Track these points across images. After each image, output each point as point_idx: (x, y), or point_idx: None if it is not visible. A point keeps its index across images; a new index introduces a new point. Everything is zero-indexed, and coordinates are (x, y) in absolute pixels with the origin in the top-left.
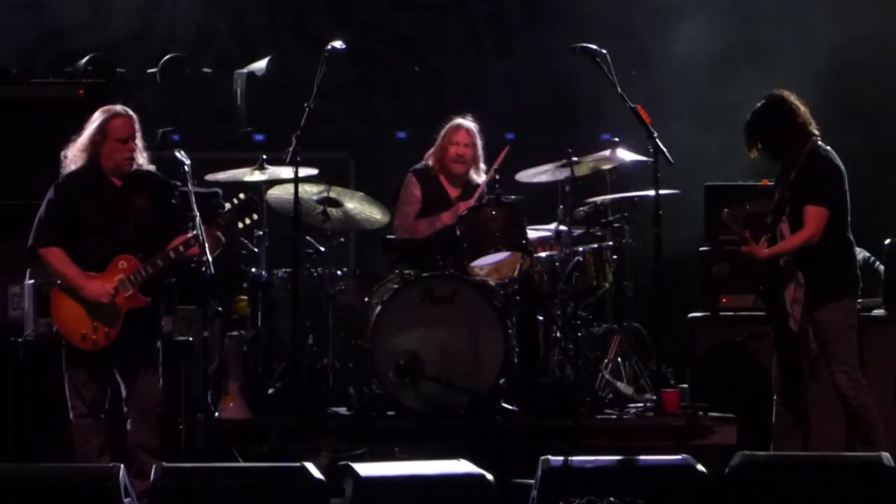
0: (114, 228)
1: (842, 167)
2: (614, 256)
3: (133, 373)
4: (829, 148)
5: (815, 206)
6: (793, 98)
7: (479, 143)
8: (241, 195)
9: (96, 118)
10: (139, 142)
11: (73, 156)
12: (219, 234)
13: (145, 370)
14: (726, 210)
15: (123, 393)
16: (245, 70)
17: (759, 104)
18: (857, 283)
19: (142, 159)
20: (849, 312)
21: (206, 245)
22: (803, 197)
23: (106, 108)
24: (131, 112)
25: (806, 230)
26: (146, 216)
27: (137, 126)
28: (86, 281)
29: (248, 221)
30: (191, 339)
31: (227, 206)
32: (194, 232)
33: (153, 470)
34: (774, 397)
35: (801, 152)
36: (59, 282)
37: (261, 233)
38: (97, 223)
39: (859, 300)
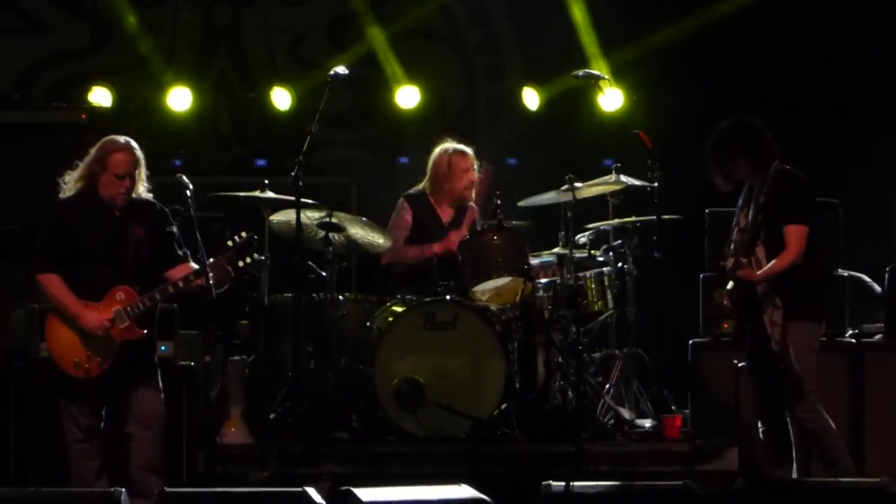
0: (111, 258)
1: (811, 185)
2: (616, 282)
3: (131, 393)
4: (791, 167)
5: (795, 226)
6: (755, 119)
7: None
8: (243, 234)
9: (99, 147)
10: (142, 172)
11: (72, 181)
12: (228, 267)
13: (143, 388)
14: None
15: (123, 413)
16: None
17: (724, 128)
18: (824, 310)
19: (142, 188)
20: (812, 336)
21: (210, 273)
22: (779, 218)
23: (110, 138)
24: (134, 145)
25: (790, 250)
26: (144, 246)
27: (139, 159)
28: (82, 310)
29: (248, 260)
30: (192, 363)
31: (229, 243)
32: (197, 266)
33: (155, 495)
34: (759, 426)
35: (767, 174)
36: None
37: (262, 258)
38: (94, 251)
39: (862, 325)
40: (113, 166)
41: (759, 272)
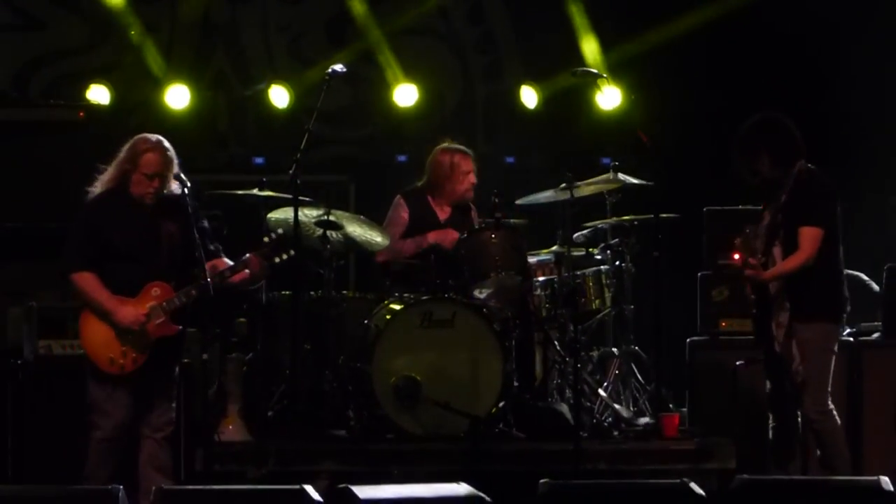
0: (144, 254)
1: (833, 187)
2: (614, 280)
3: (151, 393)
4: (816, 168)
5: (810, 228)
6: (787, 118)
7: None
8: (280, 230)
9: (130, 146)
10: (173, 171)
11: (103, 178)
12: (265, 263)
13: (164, 390)
14: (738, 239)
15: (140, 413)
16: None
17: (749, 124)
18: (841, 310)
19: (174, 186)
20: (827, 336)
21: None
22: (796, 219)
23: (142, 137)
24: (166, 145)
25: (802, 252)
26: (176, 242)
27: (171, 159)
28: (117, 306)
29: (284, 257)
30: (190, 361)
31: (265, 239)
32: (231, 262)
33: (152, 492)
34: (770, 422)
35: (790, 173)
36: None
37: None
38: (127, 248)
39: (860, 324)
40: (143, 165)
41: (767, 272)
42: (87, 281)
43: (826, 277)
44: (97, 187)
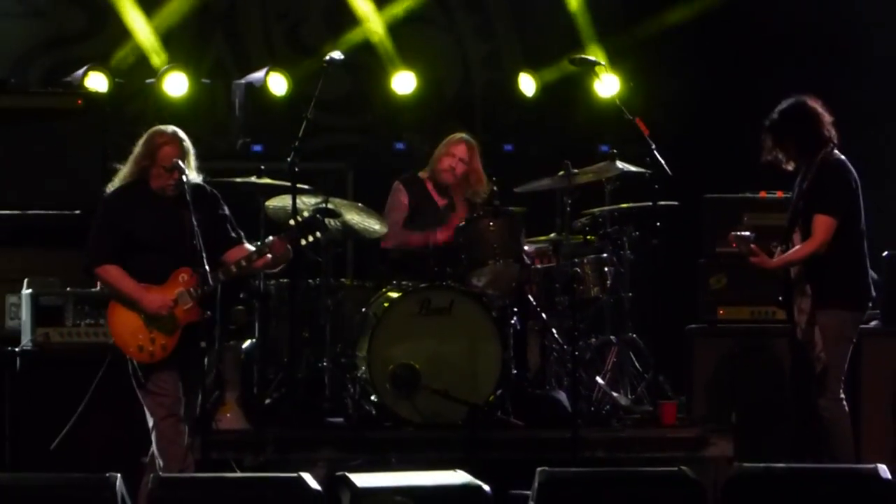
0: (170, 245)
1: (854, 176)
2: (612, 268)
3: (183, 384)
4: (842, 156)
5: (823, 216)
6: (818, 104)
7: (477, 161)
8: (306, 213)
9: (147, 141)
10: (191, 161)
11: (121, 174)
12: (288, 246)
13: (193, 383)
14: (733, 234)
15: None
16: (243, 81)
17: (783, 106)
18: (860, 299)
19: (193, 175)
20: (844, 323)
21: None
22: (813, 206)
23: (158, 130)
24: (182, 136)
25: (813, 240)
26: (200, 230)
27: (187, 150)
28: (144, 293)
29: (311, 239)
30: None
31: (292, 222)
32: (253, 247)
33: (150, 480)
34: (794, 411)
35: (814, 162)
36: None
37: (259, 243)
38: (151, 239)
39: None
40: (162, 159)
41: (774, 260)
42: (111, 273)
43: (843, 265)
44: (115, 182)
